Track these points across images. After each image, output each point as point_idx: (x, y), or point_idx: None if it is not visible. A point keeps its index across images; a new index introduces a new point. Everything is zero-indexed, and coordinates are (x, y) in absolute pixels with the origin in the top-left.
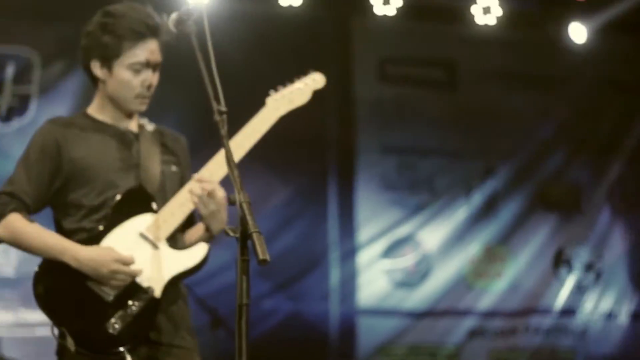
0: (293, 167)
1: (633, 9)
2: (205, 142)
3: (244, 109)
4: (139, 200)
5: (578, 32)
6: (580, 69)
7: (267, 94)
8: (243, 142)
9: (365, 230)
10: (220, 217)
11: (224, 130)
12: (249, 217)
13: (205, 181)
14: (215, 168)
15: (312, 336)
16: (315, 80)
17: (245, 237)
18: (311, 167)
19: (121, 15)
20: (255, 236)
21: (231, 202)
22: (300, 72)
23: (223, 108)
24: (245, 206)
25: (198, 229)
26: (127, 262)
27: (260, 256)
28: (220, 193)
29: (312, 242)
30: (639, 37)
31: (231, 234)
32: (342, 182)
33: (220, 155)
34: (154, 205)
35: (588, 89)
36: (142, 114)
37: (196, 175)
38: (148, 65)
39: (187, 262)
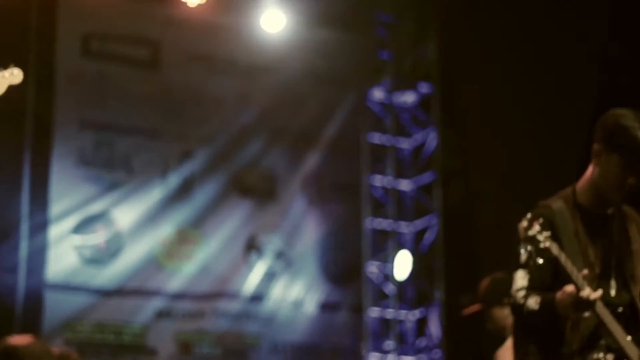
0: None
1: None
2: None
3: None
4: None
5: (277, 22)
6: (281, 58)
7: None
8: None
9: (57, 205)
10: None
11: None
12: None
13: None
14: None
15: None
16: (13, 75)
17: None
18: (6, 138)
19: None
20: None
21: None
22: (2, 41)
23: None
24: None
25: None
26: None
27: None
28: None
29: (3, 214)
30: (338, 30)
31: None
32: (37, 155)
33: None
34: None
35: (289, 78)
36: None
37: None
38: None
39: None
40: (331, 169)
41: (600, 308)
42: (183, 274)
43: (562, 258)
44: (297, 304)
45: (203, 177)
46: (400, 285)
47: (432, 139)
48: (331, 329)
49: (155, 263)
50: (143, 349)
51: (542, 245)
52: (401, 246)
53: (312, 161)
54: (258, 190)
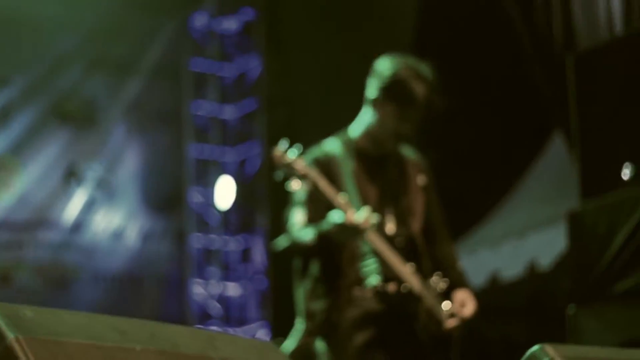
0: None
1: None
2: None
3: None
4: None
5: None
6: None
7: None
8: None
9: None
10: None
11: None
12: None
13: None
14: None
15: None
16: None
17: None
18: None
19: None
20: None
21: None
22: None
23: None
24: None
25: None
26: None
27: None
28: None
29: None
30: None
31: None
32: None
33: None
34: None
35: (109, 4)
36: None
37: None
38: None
39: None
40: (153, 96)
41: (372, 236)
42: (0, 202)
43: (322, 184)
44: (118, 234)
45: (21, 105)
46: (224, 213)
47: (255, 65)
48: (154, 258)
49: None
50: None
51: (299, 172)
52: (224, 174)
53: (133, 88)
54: (78, 117)
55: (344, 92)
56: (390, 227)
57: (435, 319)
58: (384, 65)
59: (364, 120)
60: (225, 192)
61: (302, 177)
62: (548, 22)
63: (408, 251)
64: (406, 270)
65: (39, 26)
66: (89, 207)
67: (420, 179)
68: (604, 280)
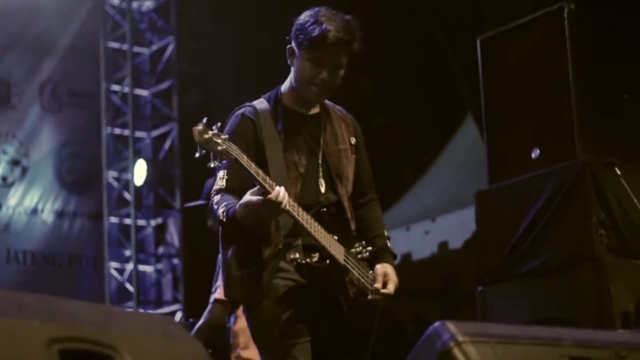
0: None
1: None
2: None
3: None
4: None
5: None
6: None
7: None
8: None
9: None
10: None
11: None
12: None
13: None
14: None
15: None
16: None
17: None
18: None
19: None
20: None
21: None
22: None
23: None
24: None
25: None
26: None
27: None
28: None
29: None
30: None
31: None
32: None
33: None
34: None
35: None
36: None
37: None
38: None
39: None
40: (69, 76)
41: (293, 208)
42: None
43: (244, 160)
44: (34, 212)
45: None
46: (139, 193)
47: (170, 46)
48: (69, 237)
49: None
50: None
51: (219, 148)
52: (140, 154)
53: (49, 68)
54: None
55: (258, 72)
56: (319, 191)
57: (360, 289)
58: (300, 16)
59: (290, 75)
60: (139, 172)
61: (223, 153)
62: (459, 8)
63: (335, 218)
64: (331, 241)
65: None
66: (4, 185)
67: (352, 139)
68: (510, 261)
